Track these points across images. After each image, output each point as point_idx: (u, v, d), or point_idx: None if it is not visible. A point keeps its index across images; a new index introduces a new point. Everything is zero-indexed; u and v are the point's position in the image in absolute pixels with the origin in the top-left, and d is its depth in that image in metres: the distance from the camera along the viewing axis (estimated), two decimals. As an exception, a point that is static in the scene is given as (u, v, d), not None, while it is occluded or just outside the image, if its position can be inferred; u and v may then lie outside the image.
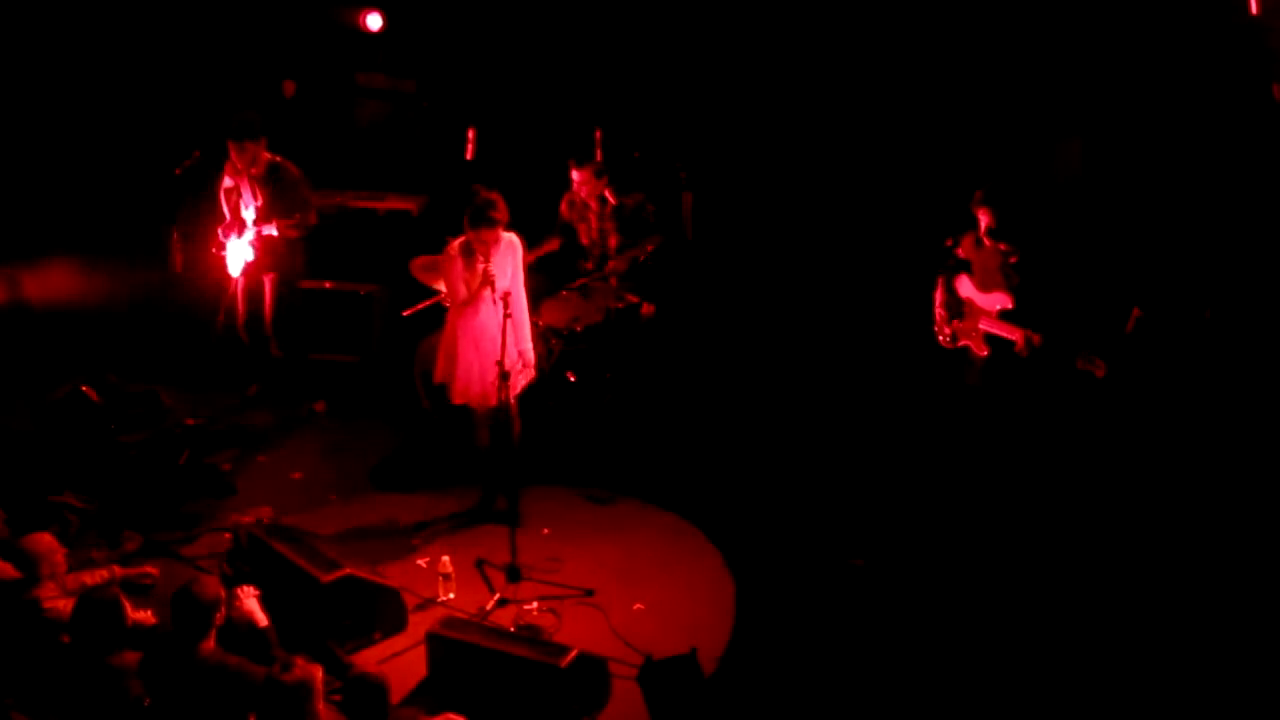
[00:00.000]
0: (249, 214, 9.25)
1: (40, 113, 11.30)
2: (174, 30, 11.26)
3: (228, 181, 9.34)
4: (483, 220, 7.58)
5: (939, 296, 8.12)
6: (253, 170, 9.22)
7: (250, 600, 6.34)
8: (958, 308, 8.01)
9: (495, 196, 7.64)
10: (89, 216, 11.18)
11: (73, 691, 5.93)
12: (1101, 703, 6.54)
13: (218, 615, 5.97)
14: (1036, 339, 7.48)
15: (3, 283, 10.74)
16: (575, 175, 9.27)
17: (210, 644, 5.93)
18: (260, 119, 9.20)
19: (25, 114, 11.27)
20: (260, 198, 9.25)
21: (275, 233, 9.30)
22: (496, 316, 7.57)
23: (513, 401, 7.84)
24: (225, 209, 9.31)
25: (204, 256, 9.48)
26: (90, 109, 11.34)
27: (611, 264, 9.25)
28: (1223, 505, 7.81)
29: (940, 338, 8.15)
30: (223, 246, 9.27)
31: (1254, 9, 8.25)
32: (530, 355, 7.95)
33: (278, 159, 9.31)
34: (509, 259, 7.77)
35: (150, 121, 11.13)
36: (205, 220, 9.49)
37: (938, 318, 8.12)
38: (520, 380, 7.90)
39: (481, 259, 7.64)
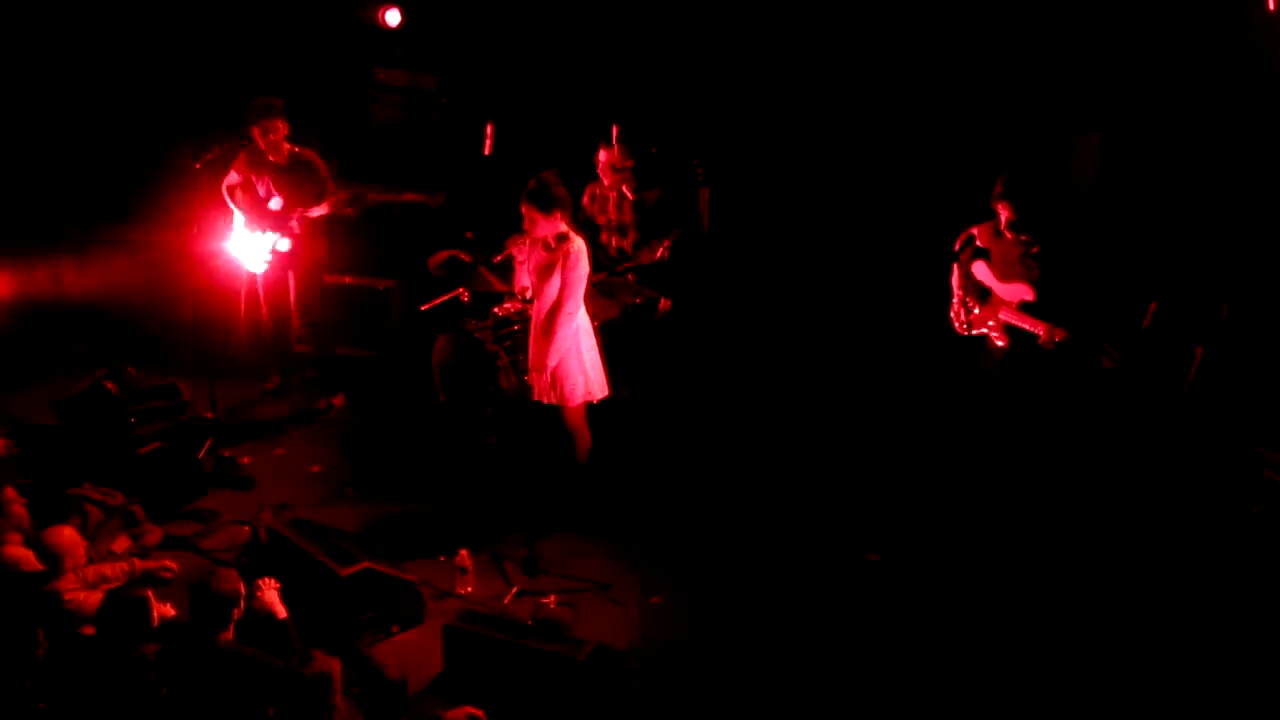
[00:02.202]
0: (275, 204, 9.29)
1: (57, 106, 11.33)
2: (194, 26, 11.29)
3: (234, 177, 9.35)
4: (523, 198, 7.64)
5: (956, 280, 8.09)
6: (272, 158, 9.25)
7: (271, 592, 6.38)
8: (975, 292, 7.98)
9: (532, 181, 7.63)
10: (108, 209, 11.22)
11: (94, 683, 5.98)
12: (1111, 702, 6.54)
13: (236, 608, 6.01)
14: (1059, 334, 7.46)
15: (22, 275, 10.81)
16: (602, 156, 9.27)
17: (229, 636, 5.96)
18: (282, 102, 9.22)
19: (42, 108, 11.30)
20: (285, 188, 9.28)
21: (326, 210, 9.32)
22: (538, 304, 7.71)
23: (564, 411, 7.84)
24: (236, 205, 9.33)
25: (220, 252, 9.52)
26: (105, 104, 11.36)
27: (642, 256, 9.25)
28: (1236, 501, 7.81)
29: (956, 324, 8.12)
30: (237, 243, 9.31)
31: (1271, 5, 8.22)
32: (563, 382, 7.76)
33: (298, 149, 9.35)
34: (557, 260, 7.66)
35: (169, 116, 11.16)
36: (223, 215, 9.52)
37: (955, 300, 8.09)
38: (549, 396, 7.81)
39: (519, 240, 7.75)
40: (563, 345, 7.68)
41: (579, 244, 7.70)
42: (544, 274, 7.71)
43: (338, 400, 9.81)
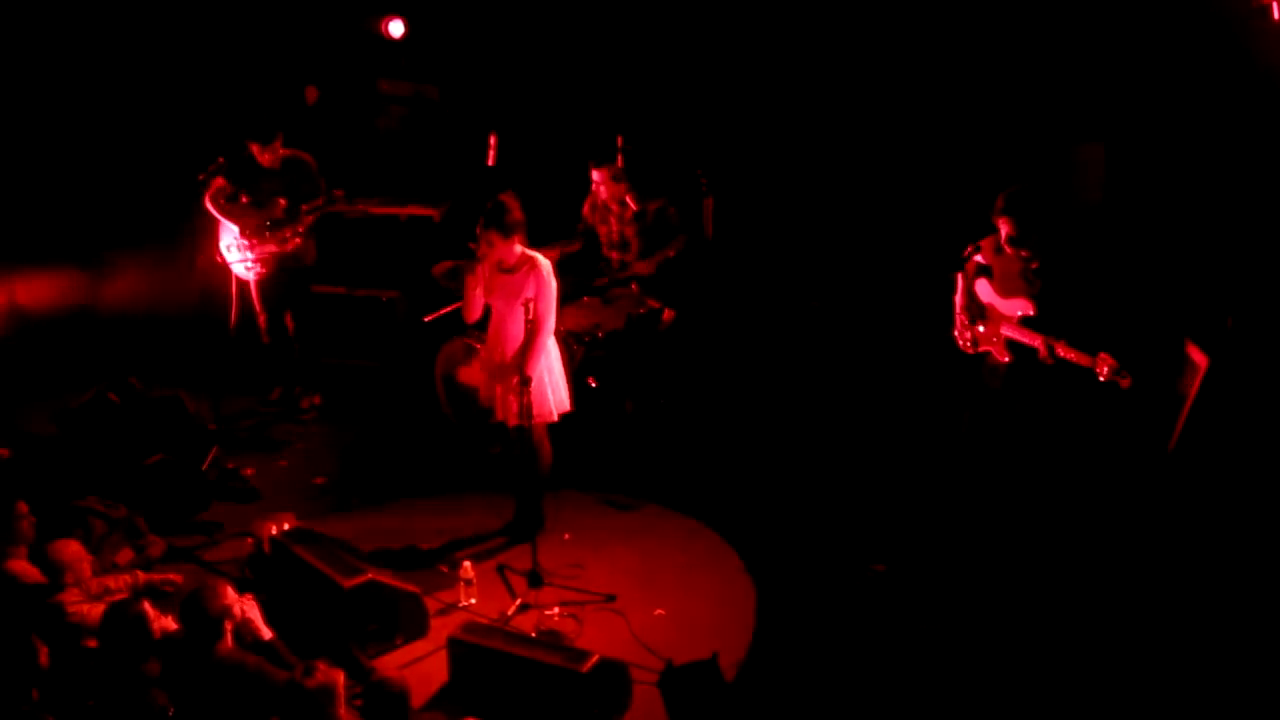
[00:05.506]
0: (271, 209, 9.31)
1: (62, 117, 11.34)
2: (199, 37, 11.31)
3: (222, 185, 9.34)
4: (482, 221, 7.60)
5: (959, 299, 8.08)
6: (266, 165, 9.28)
7: (253, 611, 6.30)
8: (978, 311, 7.97)
9: (489, 203, 7.58)
10: (111, 221, 11.23)
11: (99, 696, 5.97)
12: (1114, 711, 6.53)
13: (228, 620, 5.99)
14: (1060, 348, 7.43)
15: (25, 287, 10.82)
16: (595, 175, 9.30)
17: (227, 644, 5.95)
18: (274, 118, 9.27)
19: (47, 117, 11.31)
20: (281, 191, 9.31)
21: (322, 207, 9.39)
22: (500, 325, 7.66)
23: (527, 429, 7.69)
24: (225, 215, 9.33)
25: (221, 261, 9.53)
26: (112, 114, 11.37)
27: (638, 267, 9.24)
28: (1241, 512, 7.79)
29: (960, 342, 8.10)
30: (237, 250, 9.33)
31: (1276, 15, 8.21)
32: (536, 400, 7.59)
33: (289, 151, 9.39)
34: (528, 280, 7.59)
35: (173, 127, 11.17)
36: (220, 226, 9.53)
37: (958, 321, 8.08)
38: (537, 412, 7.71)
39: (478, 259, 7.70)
40: (538, 366, 7.59)
41: (547, 263, 7.65)
42: (508, 295, 7.65)
43: (316, 399, 9.82)
